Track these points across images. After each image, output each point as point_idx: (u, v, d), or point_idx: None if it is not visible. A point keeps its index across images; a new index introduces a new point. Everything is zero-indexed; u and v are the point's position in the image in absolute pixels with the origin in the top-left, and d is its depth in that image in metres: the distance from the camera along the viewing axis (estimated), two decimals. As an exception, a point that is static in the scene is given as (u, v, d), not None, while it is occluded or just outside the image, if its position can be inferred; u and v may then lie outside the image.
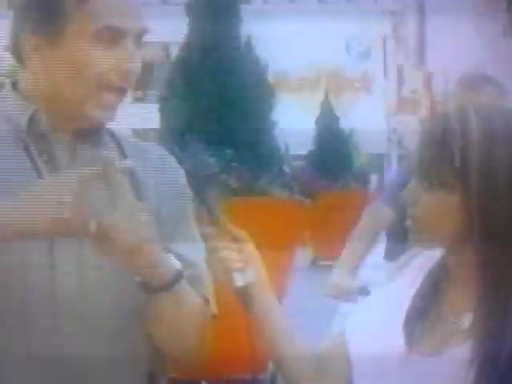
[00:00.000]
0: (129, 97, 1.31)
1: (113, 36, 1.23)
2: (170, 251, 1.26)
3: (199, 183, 1.27)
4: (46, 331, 1.21)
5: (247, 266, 1.24)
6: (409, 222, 1.20)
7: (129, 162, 1.20)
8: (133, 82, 1.25)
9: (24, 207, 1.13)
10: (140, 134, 1.40)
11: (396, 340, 1.18)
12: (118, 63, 1.23)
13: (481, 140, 1.15)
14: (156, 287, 1.19)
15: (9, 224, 1.13)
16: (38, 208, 1.12)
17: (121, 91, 1.25)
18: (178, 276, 1.19)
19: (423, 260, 1.26)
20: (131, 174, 1.23)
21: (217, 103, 4.31)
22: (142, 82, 1.31)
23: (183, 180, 1.32)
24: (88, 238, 1.13)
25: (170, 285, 1.19)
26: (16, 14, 1.27)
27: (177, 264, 1.20)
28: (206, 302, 1.28)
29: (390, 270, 1.32)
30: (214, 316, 1.29)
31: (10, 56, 1.29)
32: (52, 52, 1.24)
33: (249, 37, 4.74)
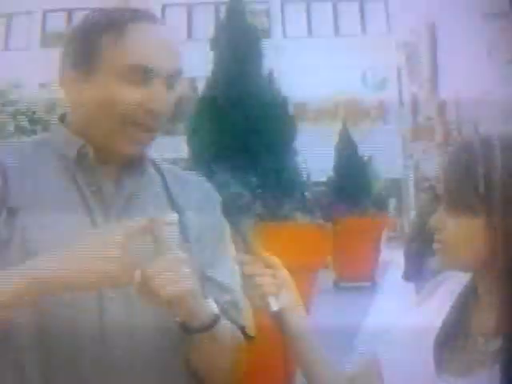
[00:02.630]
0: (158, 133, 1.32)
1: (141, 75, 1.23)
2: (208, 278, 1.28)
3: (233, 212, 1.29)
4: (95, 362, 1.22)
5: (282, 290, 1.26)
6: (436, 247, 1.19)
7: (175, 216, 1.21)
8: (161, 121, 1.26)
9: (71, 261, 1.14)
10: (169, 163, 1.42)
11: (426, 363, 1.18)
12: (144, 102, 1.23)
13: (504, 166, 1.14)
14: (194, 329, 1.21)
15: (57, 277, 1.14)
16: (84, 261, 1.14)
17: (148, 129, 1.25)
18: (216, 320, 1.21)
19: (452, 284, 1.25)
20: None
21: (241, 134, 4.35)
22: (172, 119, 1.33)
23: (220, 207, 1.33)
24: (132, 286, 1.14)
25: (207, 328, 1.21)
26: (62, 49, 1.29)
27: (215, 309, 1.22)
28: (242, 329, 1.29)
29: (420, 293, 1.32)
30: (251, 338, 1.31)
31: (60, 90, 1.31)
32: (86, 87, 1.25)
33: (270, 70, 4.78)
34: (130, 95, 1.23)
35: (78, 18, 1.33)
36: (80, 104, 1.26)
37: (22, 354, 1.21)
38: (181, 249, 1.17)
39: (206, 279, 1.28)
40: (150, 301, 1.15)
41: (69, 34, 1.28)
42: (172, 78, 1.26)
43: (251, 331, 1.31)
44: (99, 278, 1.14)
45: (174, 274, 1.14)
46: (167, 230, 1.15)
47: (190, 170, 1.51)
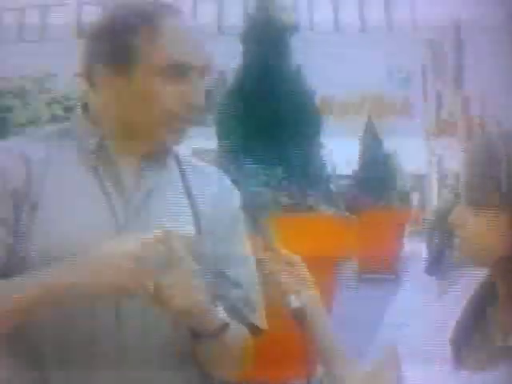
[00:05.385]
0: (192, 125, 1.32)
1: (179, 71, 1.23)
2: (220, 273, 1.27)
3: (253, 211, 1.28)
4: (111, 368, 1.22)
5: (302, 288, 1.25)
6: (456, 243, 1.18)
7: (190, 230, 1.22)
8: (197, 112, 1.26)
9: (85, 272, 1.14)
10: (199, 154, 1.43)
11: (443, 355, 1.16)
12: (182, 96, 1.23)
13: None
14: (202, 336, 1.21)
15: (70, 288, 1.14)
16: (97, 273, 1.13)
17: (186, 120, 1.26)
18: (224, 328, 1.21)
19: (471, 279, 1.23)
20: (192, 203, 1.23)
21: (269, 126, 4.33)
22: (205, 111, 1.33)
23: (239, 203, 1.33)
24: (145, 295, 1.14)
25: (215, 335, 1.21)
26: (91, 42, 1.27)
27: (223, 317, 1.21)
28: (252, 326, 1.28)
29: (439, 286, 1.30)
30: (263, 332, 1.30)
31: (81, 80, 1.30)
32: (122, 81, 1.24)
33: (298, 64, 4.76)
34: (170, 91, 1.23)
35: (108, 9, 1.31)
36: (114, 98, 1.25)
37: (41, 354, 1.21)
38: (193, 261, 1.17)
39: (218, 274, 1.27)
40: (163, 308, 1.15)
41: (99, 28, 1.26)
42: (204, 72, 1.26)
43: (263, 325, 1.30)
44: (112, 289, 1.14)
45: (186, 287, 1.15)
46: (180, 242, 1.15)
47: (218, 160, 1.50)
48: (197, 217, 1.27)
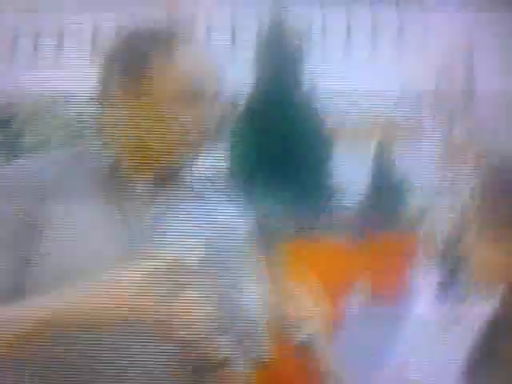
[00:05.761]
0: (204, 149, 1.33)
1: (192, 97, 1.25)
2: (227, 303, 1.26)
3: (264, 237, 1.28)
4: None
5: (308, 319, 1.24)
6: (466, 272, 1.16)
7: (195, 260, 1.19)
8: (209, 137, 1.27)
9: (86, 297, 1.13)
10: (209, 178, 1.44)
11: None
12: (195, 122, 1.26)
13: None
14: (203, 369, 1.24)
15: (71, 315, 1.16)
16: (99, 298, 1.15)
17: (198, 145, 1.27)
18: (227, 362, 1.24)
19: (482, 308, 1.22)
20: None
21: (280, 151, 4.34)
22: (217, 136, 1.34)
23: (249, 229, 1.32)
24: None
25: (216, 369, 1.24)
26: (105, 64, 1.29)
27: (226, 352, 1.24)
28: (256, 359, 1.27)
29: (449, 315, 1.29)
30: (268, 363, 1.29)
31: (95, 104, 1.31)
32: (136, 104, 1.25)
33: (309, 89, 4.78)
34: (182, 116, 1.24)
35: (121, 34, 1.32)
36: (127, 120, 1.26)
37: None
38: (198, 291, 1.16)
39: (224, 301, 1.27)
40: (166, 339, 1.14)
41: (113, 52, 1.28)
42: (216, 99, 1.27)
43: (268, 357, 1.29)
44: (112, 317, 1.11)
45: (189, 318, 1.16)
46: (185, 272, 1.15)
47: (228, 185, 1.51)
48: (206, 242, 1.26)
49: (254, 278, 1.37)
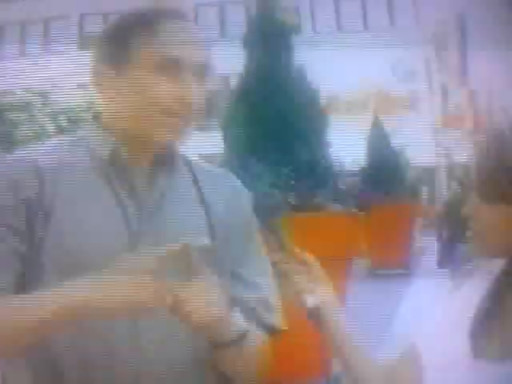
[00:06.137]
0: (195, 125, 1.33)
1: (174, 68, 1.25)
2: (236, 276, 1.27)
3: (265, 213, 1.29)
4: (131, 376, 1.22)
5: (317, 287, 1.25)
6: (469, 234, 1.18)
7: (207, 241, 1.21)
8: (196, 110, 1.27)
9: (102, 287, 1.15)
10: (206, 159, 1.43)
11: (462, 347, 1.16)
12: (179, 94, 1.25)
13: None
14: (220, 345, 1.22)
15: (87, 303, 1.14)
16: (115, 288, 1.14)
17: (184, 118, 1.27)
18: (242, 337, 1.22)
19: (486, 270, 1.23)
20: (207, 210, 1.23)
21: (274, 127, 4.34)
22: (206, 111, 1.34)
23: (250, 205, 1.33)
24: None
25: (233, 344, 1.22)
26: (97, 47, 1.30)
27: (241, 326, 1.22)
28: (270, 327, 1.29)
29: (455, 279, 1.30)
30: (284, 331, 1.31)
31: (91, 87, 1.32)
32: (122, 82, 1.27)
33: (301, 65, 4.77)
34: (165, 87, 1.24)
35: (112, 19, 1.34)
36: (116, 99, 1.27)
37: (60, 364, 1.22)
38: (212, 273, 1.17)
39: (233, 276, 1.28)
40: (182, 321, 1.16)
41: (102, 35, 1.30)
42: (201, 70, 1.27)
43: (283, 325, 1.31)
44: (129, 303, 1.14)
45: (204, 300, 1.16)
46: (197, 254, 1.15)
47: (225, 164, 1.51)
48: (210, 221, 1.28)
49: (260, 252, 1.37)
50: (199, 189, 1.32)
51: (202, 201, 1.30)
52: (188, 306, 1.14)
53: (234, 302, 1.23)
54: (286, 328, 1.31)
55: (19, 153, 1.33)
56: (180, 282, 1.14)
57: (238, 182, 1.36)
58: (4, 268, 1.20)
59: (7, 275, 1.19)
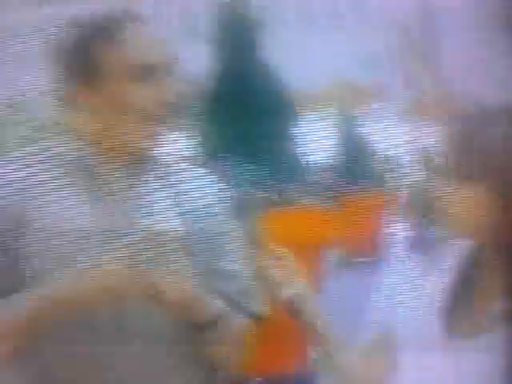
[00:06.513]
0: (168, 126, 1.36)
1: (145, 71, 1.30)
2: (215, 270, 1.32)
3: (239, 209, 1.34)
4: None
5: (292, 279, 1.32)
6: (438, 217, 1.23)
7: (180, 227, 1.27)
8: (169, 110, 1.31)
9: (80, 279, 1.20)
10: (179, 159, 1.45)
11: (433, 327, 1.23)
12: (153, 95, 1.30)
13: (505, 134, 1.16)
14: (199, 326, 1.27)
15: (68, 299, 1.20)
16: (93, 277, 1.20)
17: (160, 120, 1.32)
18: (220, 316, 1.29)
19: (454, 252, 1.28)
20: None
21: (245, 125, 4.40)
22: (179, 111, 1.37)
23: (228, 199, 1.38)
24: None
25: (211, 325, 1.28)
26: (59, 60, 1.33)
27: (218, 307, 1.28)
28: (253, 314, 1.37)
29: (424, 262, 1.35)
30: (265, 319, 1.38)
31: (55, 99, 1.34)
32: (93, 93, 1.30)
33: (267, 59, 4.82)
34: (139, 91, 1.29)
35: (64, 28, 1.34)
36: (90, 111, 1.31)
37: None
38: (183, 251, 1.22)
39: (212, 271, 1.34)
40: (157, 304, 1.22)
41: (60, 47, 1.31)
42: (170, 68, 1.32)
43: (263, 312, 1.36)
44: (106, 292, 1.20)
45: (175, 281, 1.21)
46: (167, 239, 1.22)
47: (195, 164, 1.54)
48: (185, 214, 1.34)
49: (238, 242, 1.40)
50: (174, 184, 1.38)
51: (177, 196, 1.36)
52: (161, 285, 1.20)
53: (215, 293, 1.28)
54: (269, 314, 1.37)
55: None
56: (151, 267, 1.20)
57: (213, 177, 1.40)
58: None
59: None
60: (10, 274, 1.24)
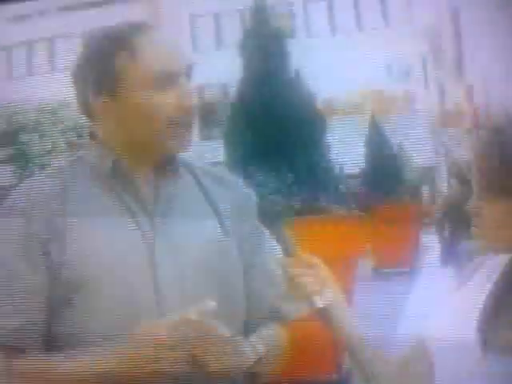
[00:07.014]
0: (197, 135, 1.37)
1: (165, 80, 1.31)
2: (253, 272, 1.31)
3: (269, 218, 1.33)
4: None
5: (324, 288, 1.30)
6: (473, 231, 1.21)
7: (213, 304, 1.26)
8: (195, 113, 1.31)
9: (129, 353, 1.21)
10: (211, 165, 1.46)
11: (470, 342, 1.21)
12: (178, 100, 1.31)
13: None
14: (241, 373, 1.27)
15: (113, 370, 1.21)
16: (140, 351, 1.20)
17: (186, 123, 1.31)
18: (257, 362, 1.29)
19: (491, 266, 1.26)
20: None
21: (274, 133, 4.40)
22: (208, 120, 1.38)
23: (255, 203, 1.37)
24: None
25: (252, 369, 1.29)
26: (78, 77, 1.34)
27: (253, 354, 1.28)
28: (288, 321, 1.36)
29: (461, 276, 1.33)
30: (297, 318, 1.36)
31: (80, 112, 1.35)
32: (117, 103, 1.31)
33: (297, 70, 4.82)
34: (163, 99, 1.30)
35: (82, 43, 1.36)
36: (115, 121, 1.32)
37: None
38: (224, 327, 1.23)
39: (251, 268, 1.35)
40: (203, 374, 1.23)
41: (81, 62, 1.32)
42: (189, 72, 1.31)
43: (295, 313, 1.35)
44: (152, 374, 1.20)
45: (219, 352, 1.22)
46: (207, 315, 1.22)
47: (229, 169, 1.54)
48: (221, 219, 1.34)
49: (271, 242, 1.39)
50: (205, 190, 1.38)
51: (210, 201, 1.36)
52: (203, 359, 1.21)
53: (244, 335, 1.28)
54: (302, 322, 1.35)
55: (24, 184, 1.35)
56: (195, 341, 1.20)
57: (240, 181, 1.40)
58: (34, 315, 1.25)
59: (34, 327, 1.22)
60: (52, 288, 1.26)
